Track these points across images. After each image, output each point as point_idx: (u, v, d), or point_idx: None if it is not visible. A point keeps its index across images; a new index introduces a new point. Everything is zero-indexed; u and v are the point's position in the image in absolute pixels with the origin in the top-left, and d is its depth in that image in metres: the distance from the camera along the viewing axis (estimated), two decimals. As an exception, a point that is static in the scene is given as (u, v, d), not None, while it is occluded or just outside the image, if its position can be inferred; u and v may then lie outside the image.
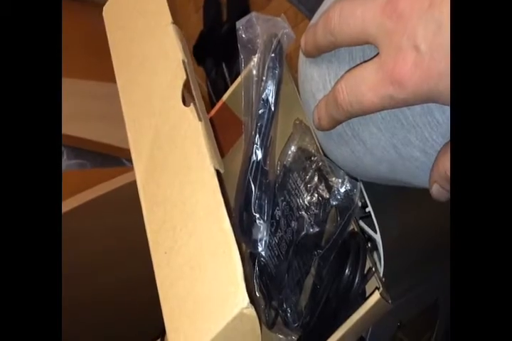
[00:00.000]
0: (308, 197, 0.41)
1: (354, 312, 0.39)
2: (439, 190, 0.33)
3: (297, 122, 0.45)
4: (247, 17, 0.43)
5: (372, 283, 0.40)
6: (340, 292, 0.39)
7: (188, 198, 0.35)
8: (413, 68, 0.29)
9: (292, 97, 0.43)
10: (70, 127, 0.74)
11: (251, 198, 0.42)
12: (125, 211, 0.59)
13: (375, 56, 0.31)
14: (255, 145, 0.42)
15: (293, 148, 0.44)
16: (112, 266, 0.70)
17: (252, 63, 0.43)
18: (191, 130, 0.37)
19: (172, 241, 0.35)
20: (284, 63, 0.43)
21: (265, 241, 0.43)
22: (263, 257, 0.44)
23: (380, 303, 0.38)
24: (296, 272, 0.43)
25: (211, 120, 0.40)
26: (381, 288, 0.38)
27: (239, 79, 0.47)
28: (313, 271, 0.42)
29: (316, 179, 0.41)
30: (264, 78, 0.42)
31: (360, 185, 0.40)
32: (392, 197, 0.42)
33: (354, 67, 0.33)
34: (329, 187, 0.40)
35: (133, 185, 0.41)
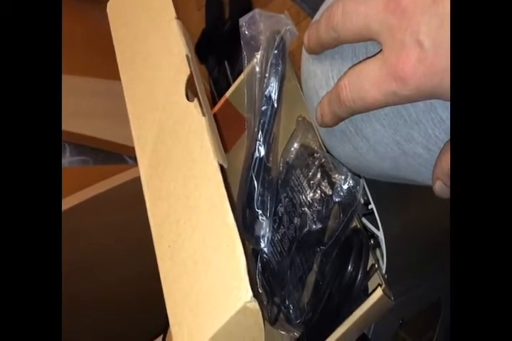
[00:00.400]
0: (311, 194, 0.41)
1: (356, 308, 0.39)
2: (442, 187, 0.32)
3: (300, 119, 0.45)
4: (250, 14, 0.43)
5: (375, 280, 0.39)
6: (343, 288, 0.39)
7: (192, 192, 0.35)
8: (416, 64, 0.29)
9: (295, 94, 0.43)
10: (73, 124, 0.74)
11: (254, 195, 0.42)
12: (126, 208, 0.59)
13: (378, 52, 0.31)
14: (258, 142, 0.42)
15: (296, 145, 0.44)
16: (113, 264, 0.70)
17: (255, 60, 0.43)
18: (195, 125, 0.37)
19: (176, 234, 0.35)
20: (287, 60, 0.43)
21: (268, 238, 0.43)
22: (266, 253, 0.44)
23: (383, 300, 0.38)
24: (298, 268, 0.43)
25: (214, 117, 0.40)
26: (383, 285, 0.38)
27: (242, 76, 0.46)
28: (315, 267, 0.42)
29: (318, 176, 0.41)
30: (267, 75, 0.42)
31: (363, 181, 0.40)
32: (394, 194, 0.42)
33: (357, 63, 0.33)
34: (332, 184, 0.40)
35: (134, 182, 0.41)
